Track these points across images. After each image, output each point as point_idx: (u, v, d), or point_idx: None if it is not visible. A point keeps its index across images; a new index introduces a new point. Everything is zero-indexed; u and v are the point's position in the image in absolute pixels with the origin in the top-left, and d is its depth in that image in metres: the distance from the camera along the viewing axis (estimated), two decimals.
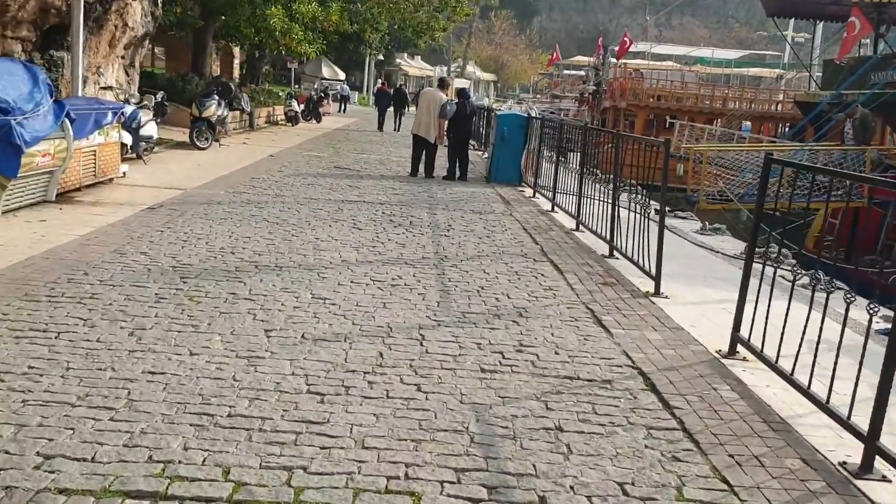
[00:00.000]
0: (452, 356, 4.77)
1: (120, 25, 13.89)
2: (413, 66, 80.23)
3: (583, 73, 55.82)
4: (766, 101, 33.43)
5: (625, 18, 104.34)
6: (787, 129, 29.60)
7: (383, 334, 5.10)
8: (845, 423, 3.70)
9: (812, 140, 20.71)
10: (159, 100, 14.34)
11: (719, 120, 30.25)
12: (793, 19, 31.86)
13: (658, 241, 6.70)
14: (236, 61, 41.94)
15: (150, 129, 13.46)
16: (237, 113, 22.80)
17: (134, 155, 13.09)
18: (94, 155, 10.02)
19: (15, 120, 7.54)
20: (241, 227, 8.48)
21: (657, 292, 6.79)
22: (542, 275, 7.31)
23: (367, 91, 58.16)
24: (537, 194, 13.01)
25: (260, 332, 5.00)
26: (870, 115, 16.95)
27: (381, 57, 62.68)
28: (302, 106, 31.16)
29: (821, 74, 26.29)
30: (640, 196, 7.38)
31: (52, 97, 8.50)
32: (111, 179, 10.81)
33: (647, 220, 7.03)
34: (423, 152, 14.88)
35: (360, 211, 10.15)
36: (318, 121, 30.85)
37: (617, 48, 41.81)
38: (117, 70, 14.73)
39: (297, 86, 33.55)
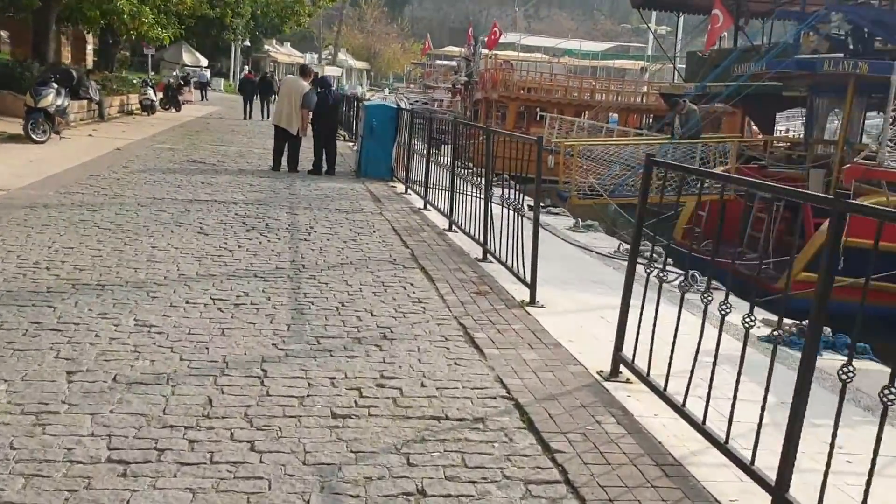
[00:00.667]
0: (299, 398, 4.01)
1: None
2: (282, 52, 77.91)
3: (454, 63, 55.78)
4: (631, 93, 34.14)
5: (495, 10, 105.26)
6: (651, 121, 30.27)
7: (216, 372, 4.28)
8: (749, 470, 3.22)
9: (653, 132, 21.21)
10: None
11: (587, 112, 30.64)
12: (655, 11, 32.63)
13: (532, 245, 6.17)
14: (89, 47, 39.12)
15: None
16: (85, 102, 20.99)
17: None
18: None
19: None
20: (64, 235, 7.36)
21: (532, 301, 6.27)
22: (412, 284, 6.65)
23: (234, 78, 55.84)
24: (409, 190, 12.36)
25: (60, 375, 4.07)
26: (696, 110, 17.37)
27: (247, 43, 60.43)
28: (160, 94, 29.31)
29: (684, 66, 26.93)
30: (513, 195, 6.86)
31: None
32: None
33: (521, 219, 6.51)
34: (286, 144, 13.92)
35: (209, 213, 9.16)
36: (178, 109, 29.09)
37: (487, 39, 41.74)
38: None
39: (153, 73, 31.43)
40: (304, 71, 14.55)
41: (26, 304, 5.22)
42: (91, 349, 4.48)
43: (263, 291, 6.03)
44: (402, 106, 16.04)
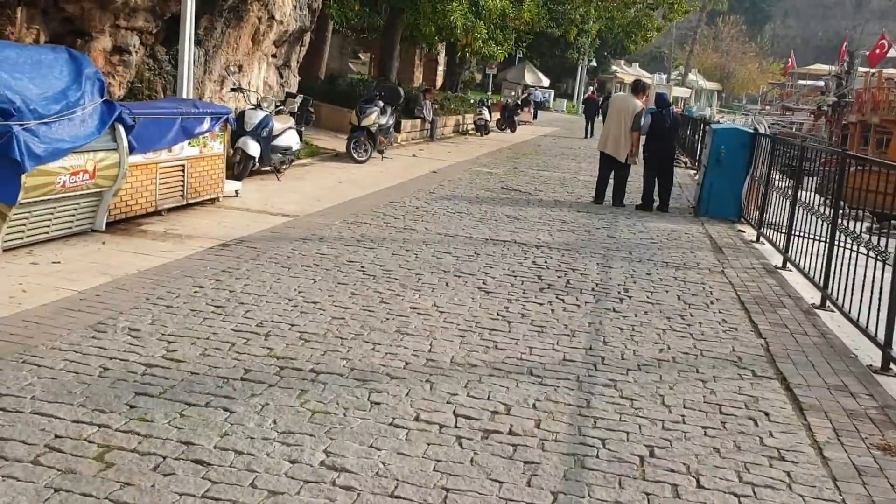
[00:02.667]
0: None
1: (265, 18, 12.11)
2: (629, 73, 76.01)
3: (821, 83, 49.47)
4: None
5: (873, 25, 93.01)
6: None
7: None
8: None
9: None
10: (305, 104, 12.39)
11: None
12: None
13: None
14: (440, 68, 40.72)
15: (289, 138, 11.51)
16: (418, 121, 20.88)
17: (269, 168, 11.21)
18: (182, 171, 8.04)
19: (22, 126, 5.55)
20: (319, 281, 6.02)
21: None
22: (766, 415, 4.17)
23: (577, 99, 55.11)
24: (762, 238, 9.57)
25: None
26: None
27: (593, 63, 59.47)
28: (497, 114, 28.96)
29: None
30: None
31: (101, 96, 6.51)
32: (213, 200, 8.84)
33: None
34: (612, 173, 11.84)
35: (502, 259, 7.39)
36: (513, 130, 28.40)
37: (868, 54, 35.77)
38: (265, 70, 13.01)
39: (489, 93, 31.27)
40: (636, 87, 12.32)
41: (200, 398, 3.74)
42: None
43: (533, 407, 4.00)
44: (760, 130, 13.07)
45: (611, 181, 11.87)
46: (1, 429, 3.26)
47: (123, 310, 4.96)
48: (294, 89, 14.64)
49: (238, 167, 10.66)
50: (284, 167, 11.82)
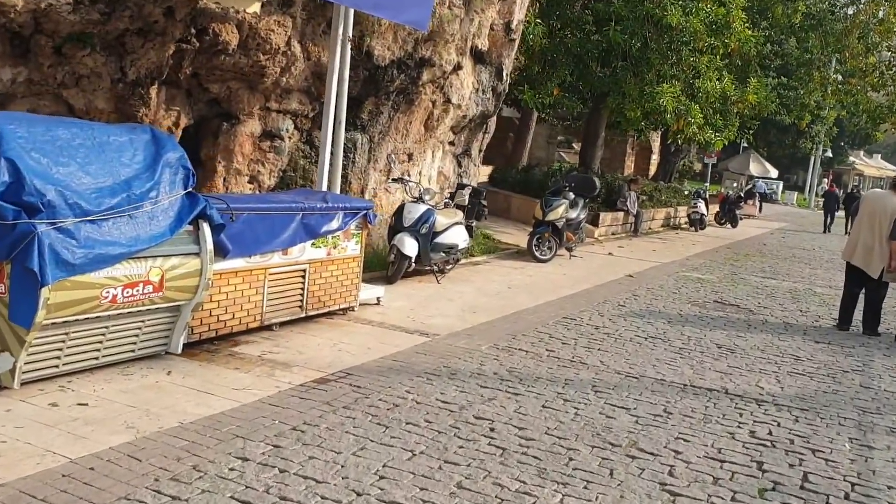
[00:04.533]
0: None
1: (440, 102, 10.80)
2: (870, 165, 68.96)
3: None
4: None
5: None
6: None
7: None
8: None
9: None
10: (477, 196, 10.79)
11: None
12: None
13: None
14: (654, 157, 38.36)
15: (455, 235, 9.94)
16: (620, 214, 18.76)
17: (429, 268, 9.68)
18: (302, 277, 6.61)
19: (53, 225, 4.29)
20: (415, 458, 4.14)
21: None
22: None
23: (809, 192, 50.05)
24: None
25: None
26: None
27: (828, 153, 54.23)
28: (716, 207, 26.09)
29: None
30: None
31: (186, 187, 5.21)
32: (346, 311, 7.35)
33: None
34: (863, 291, 9.06)
35: (704, 423, 5.10)
36: (734, 225, 25.33)
37: None
38: (440, 158, 11.66)
39: (706, 184, 28.37)
40: None
41: None
42: None
43: None
44: None
45: (861, 301, 9.09)
46: None
47: (107, 501, 3.37)
48: (475, 179, 13.20)
49: (391, 268, 9.20)
50: (449, 267, 10.23)
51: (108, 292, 4.66)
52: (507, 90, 12.58)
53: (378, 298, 7.96)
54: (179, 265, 5.11)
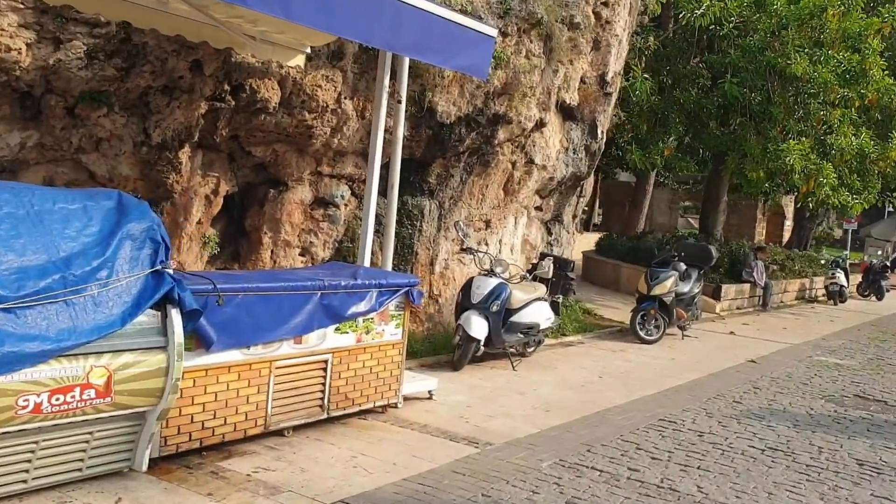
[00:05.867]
0: None
1: (520, 163, 9.62)
2: None
3: None
4: None
5: None
6: None
7: None
8: None
9: None
10: (564, 267, 9.40)
11: None
12: None
13: None
14: (787, 223, 35.56)
15: (535, 313, 8.62)
16: (746, 287, 16.76)
17: (503, 352, 8.39)
18: (324, 370, 5.48)
19: None
20: None
21: None
22: None
23: None
24: None
25: None
26: None
27: None
28: (859, 277, 23.38)
29: None
30: None
31: (153, 264, 4.23)
32: (385, 408, 6.15)
33: None
34: None
35: None
36: (880, 298, 22.51)
37: None
38: (524, 225, 10.42)
39: (846, 252, 25.59)
40: None
41: None
42: None
43: None
44: None
45: None
46: None
47: None
48: (569, 249, 11.85)
49: (457, 352, 7.97)
50: (530, 350, 8.88)
51: (26, 400, 3.67)
52: (602, 149, 11.26)
53: (430, 392, 6.72)
54: (135, 363, 4.07)
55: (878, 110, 16.77)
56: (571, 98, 9.99)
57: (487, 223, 9.62)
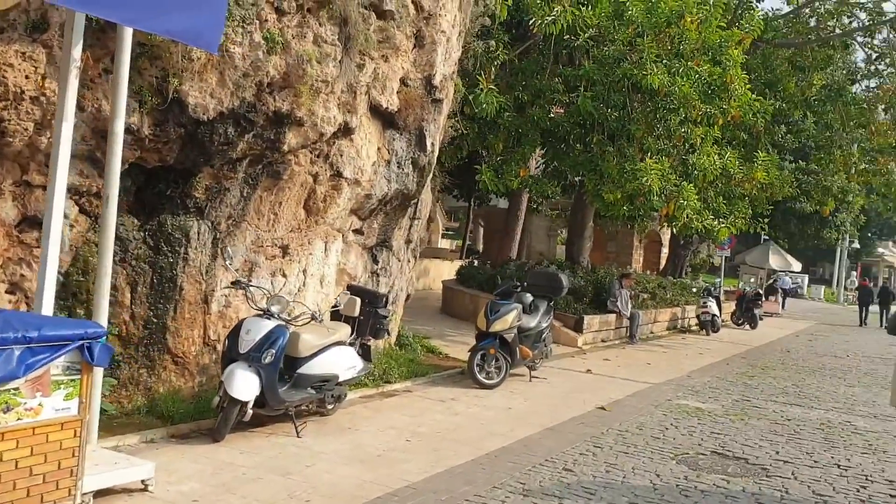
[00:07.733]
0: None
1: (324, 177, 7.94)
2: None
3: None
4: None
5: None
6: None
7: None
8: None
9: None
10: (374, 303, 7.71)
11: None
12: None
13: None
14: (664, 250, 35.33)
15: (331, 361, 6.92)
16: (611, 318, 15.59)
17: (286, 413, 6.62)
18: None
19: None
20: None
21: None
22: None
23: (838, 286, 46.53)
24: None
25: None
26: None
27: (856, 245, 50.99)
28: (732, 304, 22.87)
29: None
30: None
31: None
32: None
33: None
34: None
35: None
36: (753, 326, 21.99)
37: None
38: (339, 253, 8.72)
39: (717, 279, 25.16)
40: None
41: None
42: None
43: None
44: None
45: None
46: None
47: None
48: (402, 279, 10.23)
49: (218, 416, 6.16)
50: (330, 407, 7.16)
51: None
52: (433, 164, 9.74)
53: (144, 482, 4.88)
54: None
55: (745, 130, 16.07)
56: (389, 101, 8.43)
57: (284, 249, 7.87)
